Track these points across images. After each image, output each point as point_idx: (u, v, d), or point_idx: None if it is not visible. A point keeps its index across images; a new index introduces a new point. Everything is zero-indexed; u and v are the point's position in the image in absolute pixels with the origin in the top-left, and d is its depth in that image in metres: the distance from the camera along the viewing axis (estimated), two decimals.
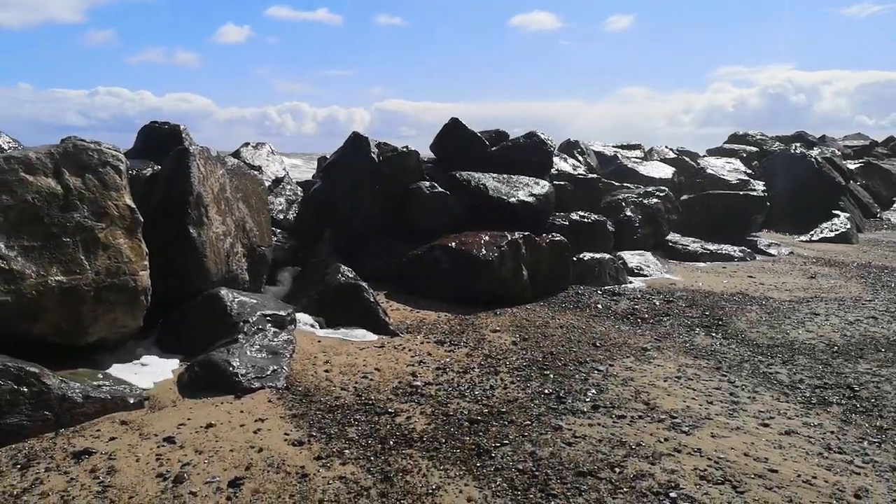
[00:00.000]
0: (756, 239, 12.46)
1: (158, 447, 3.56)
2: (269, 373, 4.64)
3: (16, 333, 4.24)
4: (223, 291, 5.43)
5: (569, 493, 3.24)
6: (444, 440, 3.79)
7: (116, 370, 4.59)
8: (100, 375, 4.30)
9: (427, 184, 8.68)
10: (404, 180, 8.70)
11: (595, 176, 11.58)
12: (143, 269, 4.89)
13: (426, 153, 10.11)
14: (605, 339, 6.04)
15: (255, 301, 5.57)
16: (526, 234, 7.72)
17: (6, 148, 6.53)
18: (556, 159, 11.22)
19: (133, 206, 4.97)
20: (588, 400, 4.50)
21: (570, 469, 3.47)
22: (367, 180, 8.40)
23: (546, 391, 4.63)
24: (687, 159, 16.16)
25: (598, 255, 8.75)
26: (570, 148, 13.29)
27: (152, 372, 4.65)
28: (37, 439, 3.61)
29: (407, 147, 8.94)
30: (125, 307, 4.74)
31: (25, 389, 3.71)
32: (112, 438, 3.65)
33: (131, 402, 4.09)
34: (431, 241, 7.70)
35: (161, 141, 6.85)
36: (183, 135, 7.07)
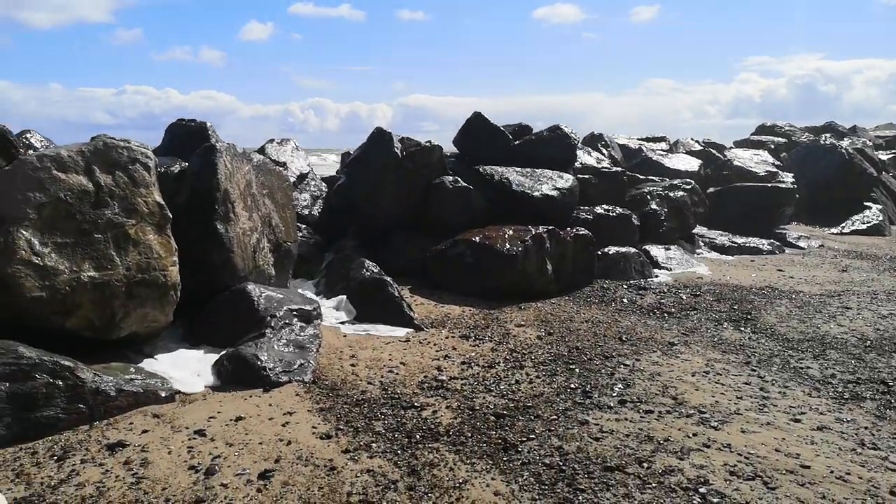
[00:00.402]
0: (785, 232, 12.26)
1: (190, 440, 3.62)
2: (296, 367, 4.69)
3: (50, 328, 4.34)
4: (250, 286, 5.49)
5: (596, 488, 3.22)
6: (470, 434, 3.79)
7: (147, 364, 4.67)
8: (132, 369, 4.39)
9: (450, 178, 8.67)
10: (427, 175, 8.70)
11: (620, 169, 11.46)
12: (173, 265, 4.96)
13: (449, 148, 10.11)
14: (632, 333, 5.99)
15: (281, 296, 5.62)
16: (550, 228, 7.69)
17: (39, 146, 6.67)
18: (579, 153, 11.13)
19: (162, 202, 5.04)
20: (615, 395, 4.47)
21: (597, 464, 3.46)
22: (390, 175, 8.42)
23: (572, 386, 4.61)
24: (713, 151, 15.92)
25: (623, 249, 8.68)
26: (594, 141, 13.17)
27: (182, 366, 4.71)
28: (72, 432, 3.69)
29: (430, 142, 8.93)
30: (155, 302, 4.81)
31: (60, 383, 3.80)
32: (145, 431, 3.72)
33: (163, 395, 4.17)
34: (455, 236, 7.70)
35: (188, 138, 6.93)
36: (209, 132, 7.15)
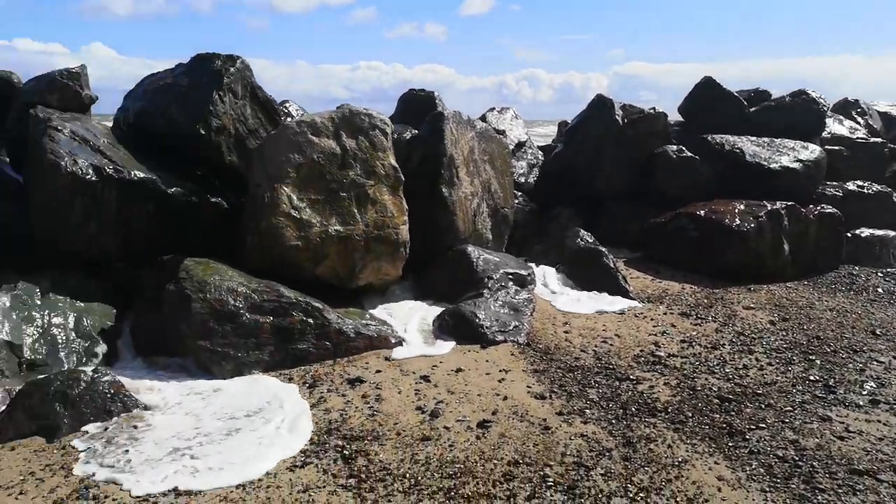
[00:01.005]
0: None
1: (416, 383, 3.93)
2: (510, 328, 4.82)
3: (302, 275, 4.94)
4: (470, 248, 5.74)
5: (840, 491, 2.89)
6: (690, 414, 3.61)
7: (378, 312, 5.13)
8: (367, 316, 4.85)
9: (674, 147, 8.18)
10: (649, 144, 8.30)
11: (880, 140, 9.89)
12: (404, 224, 5.35)
13: (671, 116, 9.51)
14: (888, 327, 5.21)
15: (497, 259, 5.79)
16: (789, 204, 6.92)
17: (295, 114, 7.56)
18: (828, 121, 9.79)
19: (396, 165, 5.44)
20: (865, 393, 3.94)
21: (841, 465, 3.10)
22: (610, 144, 8.17)
23: (811, 378, 4.16)
24: None
25: (879, 232, 7.55)
26: (847, 108, 11.46)
27: (408, 317, 5.10)
28: (319, 364, 4.20)
29: (654, 109, 8.49)
30: (388, 257, 5.25)
31: (311, 321, 4.34)
32: (378, 371, 4.11)
33: (392, 341, 4.56)
34: (677, 209, 7.27)
35: (418, 106, 7.38)
36: (437, 101, 7.53)
